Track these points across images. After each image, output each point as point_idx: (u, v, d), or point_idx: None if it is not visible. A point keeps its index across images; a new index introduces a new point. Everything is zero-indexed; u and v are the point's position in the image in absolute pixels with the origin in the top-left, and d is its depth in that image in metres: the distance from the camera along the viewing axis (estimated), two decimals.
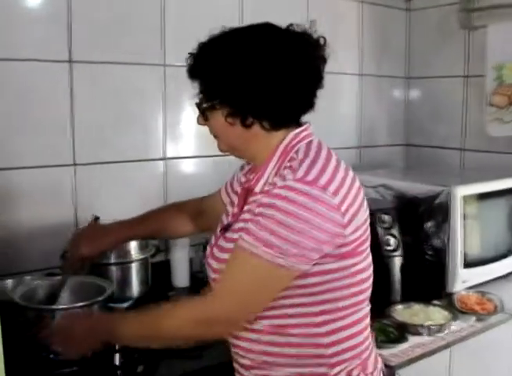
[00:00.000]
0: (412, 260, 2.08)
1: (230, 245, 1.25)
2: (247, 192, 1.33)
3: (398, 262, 2.02)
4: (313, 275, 1.19)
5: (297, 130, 1.29)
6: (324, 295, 1.22)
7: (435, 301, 2.01)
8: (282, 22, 1.29)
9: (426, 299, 2.02)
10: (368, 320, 1.34)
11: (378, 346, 1.69)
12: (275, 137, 1.28)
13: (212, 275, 1.32)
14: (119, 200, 2.11)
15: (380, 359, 1.40)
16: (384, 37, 2.91)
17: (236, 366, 1.36)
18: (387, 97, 2.98)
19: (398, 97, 3.03)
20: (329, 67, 2.59)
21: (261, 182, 1.27)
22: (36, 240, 1.95)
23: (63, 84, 1.97)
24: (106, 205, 2.05)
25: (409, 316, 1.89)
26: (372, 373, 1.31)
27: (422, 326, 1.82)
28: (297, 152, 1.25)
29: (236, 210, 1.37)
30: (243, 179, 1.43)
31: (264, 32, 1.26)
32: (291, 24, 1.28)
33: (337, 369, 1.25)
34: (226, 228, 1.34)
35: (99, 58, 2.03)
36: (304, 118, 1.33)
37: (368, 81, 2.86)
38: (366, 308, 1.33)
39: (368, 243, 1.29)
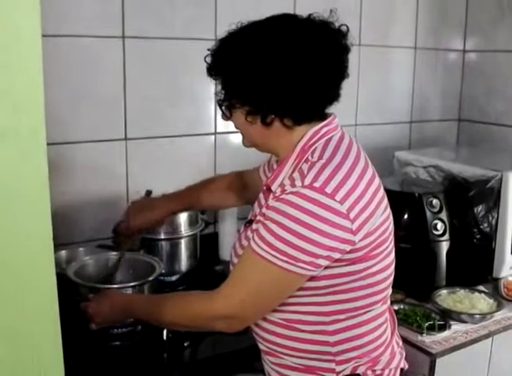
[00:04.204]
0: (460, 244, 2.07)
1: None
2: (268, 188, 1.30)
3: (445, 246, 2.00)
4: (324, 278, 1.20)
5: (318, 126, 1.25)
6: (335, 296, 1.23)
7: (481, 288, 2.00)
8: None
9: (472, 284, 2.01)
10: (382, 319, 1.33)
11: (420, 333, 1.72)
12: (297, 133, 1.26)
13: (235, 260, 1.34)
14: (169, 173, 2.14)
15: (400, 358, 1.38)
16: (442, 10, 2.81)
17: None
18: (441, 71, 2.90)
19: (454, 71, 2.94)
20: (382, 41, 2.59)
21: (278, 181, 1.25)
22: (88, 213, 2.01)
23: (117, 59, 1.99)
24: (156, 179, 2.09)
25: (453, 303, 1.88)
26: (383, 369, 1.31)
27: (466, 314, 1.81)
28: (313, 152, 1.22)
29: (258, 207, 1.36)
30: (268, 173, 1.43)
31: (282, 24, 1.22)
32: (311, 14, 1.24)
33: (344, 366, 1.27)
34: (250, 221, 1.35)
35: (150, 33, 2.03)
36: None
37: (423, 54, 2.79)
38: (380, 307, 1.31)
39: (388, 243, 1.26)
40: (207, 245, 2.15)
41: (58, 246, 1.89)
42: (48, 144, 0.86)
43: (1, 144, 0.82)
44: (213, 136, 2.25)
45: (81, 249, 1.93)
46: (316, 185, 1.13)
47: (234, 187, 1.76)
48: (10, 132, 0.82)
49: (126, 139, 2.05)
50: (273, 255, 1.15)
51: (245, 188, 1.73)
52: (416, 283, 1.94)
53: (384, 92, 2.72)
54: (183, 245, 1.96)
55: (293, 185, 1.16)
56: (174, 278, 1.96)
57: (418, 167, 2.31)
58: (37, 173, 0.86)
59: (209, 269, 2.09)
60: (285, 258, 1.14)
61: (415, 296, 1.93)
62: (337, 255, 1.16)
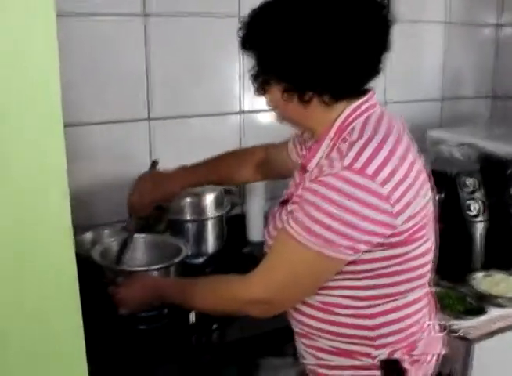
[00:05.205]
0: (497, 224, 2.00)
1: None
2: (303, 168, 1.26)
3: (480, 227, 1.94)
4: (362, 262, 1.16)
5: (357, 102, 1.19)
6: (374, 281, 1.18)
7: None
8: None
9: (509, 267, 1.94)
10: (422, 303, 1.28)
11: (456, 317, 1.66)
12: (335, 110, 1.20)
13: (270, 242, 1.30)
14: (194, 154, 2.08)
15: (439, 343, 1.34)
16: None
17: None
18: (474, 46, 2.82)
19: (487, 46, 2.86)
20: (413, 15, 2.51)
21: (314, 161, 1.20)
22: (112, 194, 1.97)
23: (138, 37, 1.95)
24: (180, 160, 2.05)
25: (489, 286, 1.82)
26: (420, 355, 1.27)
27: (504, 297, 1.75)
28: (351, 131, 1.17)
29: (293, 186, 1.32)
30: (303, 151, 1.39)
31: None
32: None
33: (381, 350, 1.24)
34: (285, 201, 1.30)
35: (172, 10, 1.99)
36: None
37: (455, 29, 2.71)
38: (420, 291, 1.26)
39: (428, 227, 1.22)
40: (234, 227, 2.11)
41: (78, 228, 1.87)
42: (67, 126, 0.83)
43: (17, 126, 0.79)
44: (239, 115, 2.20)
45: (105, 231, 1.90)
46: (356, 166, 1.07)
47: (254, 162, 1.70)
48: (27, 114, 0.80)
49: (149, 119, 2.02)
50: (309, 240, 1.11)
51: (266, 164, 1.67)
52: (450, 264, 1.87)
53: (414, 69, 2.65)
54: (210, 227, 1.93)
55: (331, 166, 1.11)
56: (200, 260, 1.93)
57: (451, 145, 2.24)
58: (55, 155, 0.83)
59: (236, 251, 2.05)
60: (321, 243, 1.09)
61: (449, 278, 1.87)
62: (376, 240, 1.11)
